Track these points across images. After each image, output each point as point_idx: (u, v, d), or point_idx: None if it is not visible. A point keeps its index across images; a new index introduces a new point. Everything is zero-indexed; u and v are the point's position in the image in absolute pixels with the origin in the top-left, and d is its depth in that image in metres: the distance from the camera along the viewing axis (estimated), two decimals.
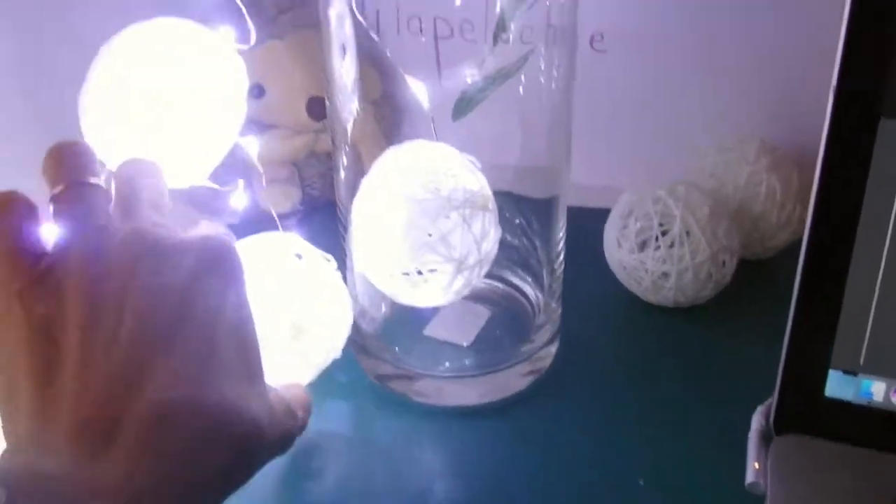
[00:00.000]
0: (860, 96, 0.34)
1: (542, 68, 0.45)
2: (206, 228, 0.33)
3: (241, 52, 0.60)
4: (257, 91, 0.61)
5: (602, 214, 0.53)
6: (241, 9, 0.41)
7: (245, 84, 0.40)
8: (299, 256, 0.42)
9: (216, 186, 0.40)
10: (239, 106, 0.40)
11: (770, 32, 0.59)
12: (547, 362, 0.48)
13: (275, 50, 0.61)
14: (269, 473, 0.37)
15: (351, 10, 0.44)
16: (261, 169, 0.61)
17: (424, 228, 0.38)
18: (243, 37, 0.42)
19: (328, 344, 0.42)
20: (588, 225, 0.52)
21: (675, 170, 0.57)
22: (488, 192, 0.40)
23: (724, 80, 0.61)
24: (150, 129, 0.36)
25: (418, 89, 0.40)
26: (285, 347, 0.40)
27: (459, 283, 0.39)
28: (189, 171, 0.39)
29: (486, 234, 0.39)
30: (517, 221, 0.50)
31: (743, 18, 0.59)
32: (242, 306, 0.32)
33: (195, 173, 0.39)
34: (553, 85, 0.46)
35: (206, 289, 0.30)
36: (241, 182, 0.42)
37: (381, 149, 0.47)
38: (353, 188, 0.46)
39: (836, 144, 0.35)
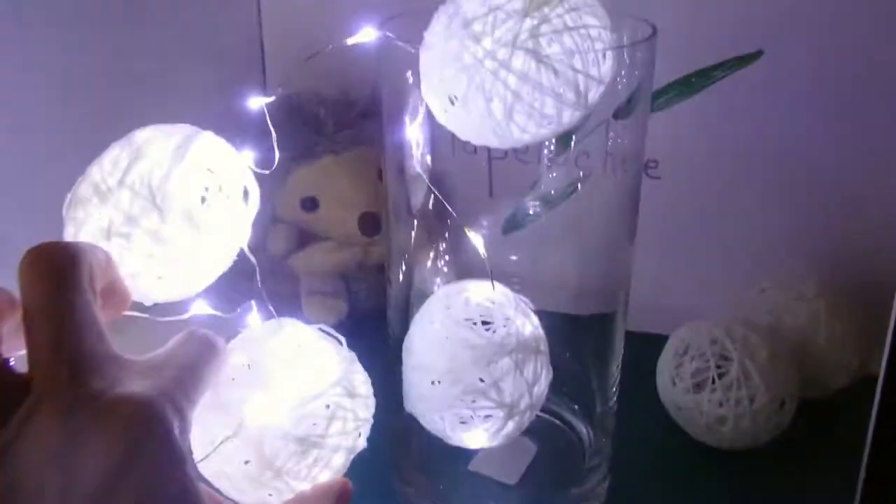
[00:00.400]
0: None
1: (599, 193, 0.45)
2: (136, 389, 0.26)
3: (298, 166, 0.61)
4: (310, 204, 0.62)
5: (656, 340, 0.52)
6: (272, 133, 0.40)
7: (254, 208, 0.39)
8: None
9: (219, 314, 0.38)
10: (241, 228, 0.38)
11: (833, 173, 0.58)
12: None
13: (330, 165, 0.61)
14: None
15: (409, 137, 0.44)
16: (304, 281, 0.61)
17: (476, 374, 0.37)
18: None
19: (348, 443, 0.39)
20: (641, 351, 0.51)
21: (731, 301, 0.56)
22: (541, 333, 0.39)
23: (785, 216, 0.60)
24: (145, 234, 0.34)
25: (476, 240, 0.39)
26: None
27: (510, 427, 0.38)
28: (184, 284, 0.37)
29: (538, 378, 0.38)
30: (569, 351, 0.49)
31: (806, 156, 0.58)
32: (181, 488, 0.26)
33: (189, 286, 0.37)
34: (611, 211, 0.46)
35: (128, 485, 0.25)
36: (253, 303, 0.40)
37: (433, 262, 0.48)
38: (405, 301, 0.45)
39: None
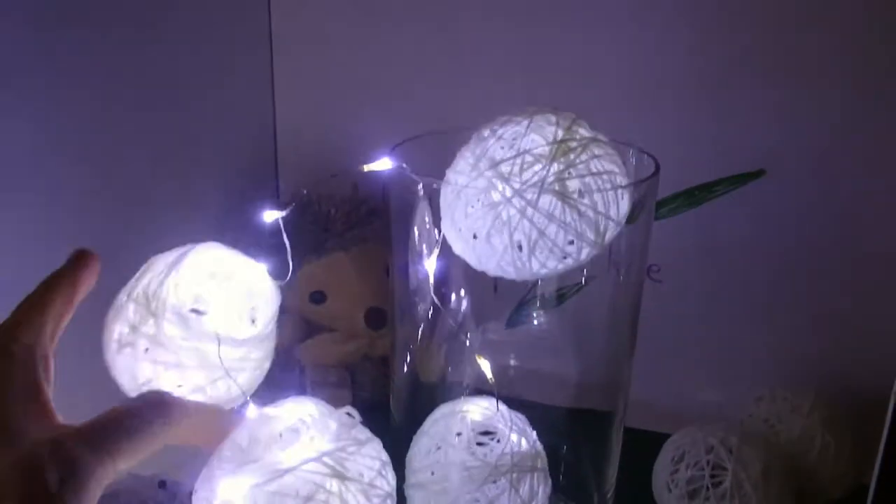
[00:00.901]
0: None
1: (602, 297, 0.47)
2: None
3: (308, 261, 0.62)
4: (319, 297, 0.63)
5: (654, 438, 0.53)
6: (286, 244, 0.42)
7: (268, 312, 0.40)
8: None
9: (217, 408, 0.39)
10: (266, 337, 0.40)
11: (830, 291, 0.60)
12: None
13: (339, 261, 0.63)
14: None
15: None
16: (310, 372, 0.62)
17: (471, 494, 0.38)
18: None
19: None
20: (639, 448, 0.52)
21: (727, 408, 0.57)
22: (539, 449, 0.40)
23: (782, 325, 0.62)
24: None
25: (483, 365, 0.40)
26: None
27: None
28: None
29: (535, 495, 0.39)
30: (567, 446, 0.50)
31: (803, 274, 0.60)
32: None
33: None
34: (613, 314, 0.47)
35: None
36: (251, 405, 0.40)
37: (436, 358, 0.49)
38: (408, 392, 0.46)
39: None
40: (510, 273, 0.36)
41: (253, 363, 0.38)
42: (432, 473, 0.39)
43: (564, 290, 0.49)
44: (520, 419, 0.40)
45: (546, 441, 0.50)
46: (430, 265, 0.41)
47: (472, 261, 0.37)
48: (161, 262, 0.37)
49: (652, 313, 0.67)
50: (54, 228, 0.52)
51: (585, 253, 0.35)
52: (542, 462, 0.39)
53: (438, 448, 0.39)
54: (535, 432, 0.40)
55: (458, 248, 0.38)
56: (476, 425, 0.39)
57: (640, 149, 0.44)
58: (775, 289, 0.62)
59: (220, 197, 0.68)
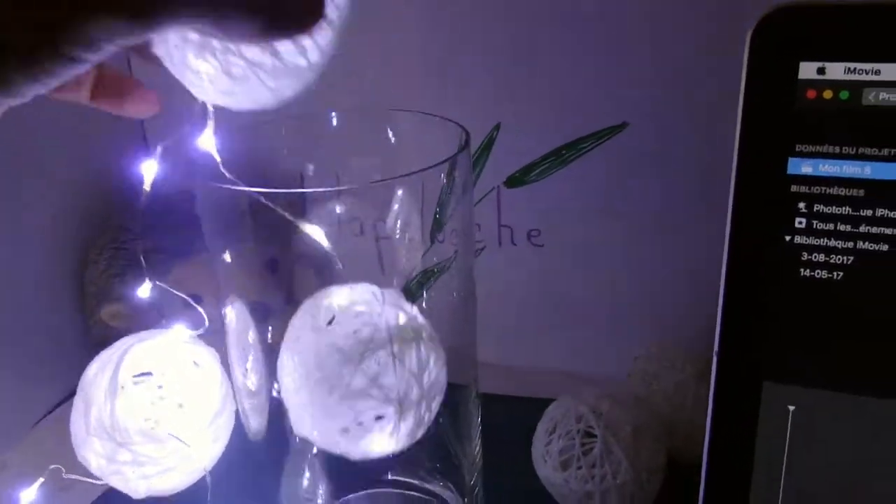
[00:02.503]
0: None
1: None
2: None
3: (176, 264, 0.62)
4: (196, 300, 0.62)
5: (542, 404, 0.53)
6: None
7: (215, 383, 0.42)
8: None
9: None
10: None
11: (700, 243, 0.60)
12: None
13: (210, 260, 0.62)
14: None
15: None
16: None
17: (349, 376, 0.36)
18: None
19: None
20: (526, 415, 0.53)
21: (609, 368, 0.58)
22: (421, 321, 0.38)
23: (658, 285, 0.62)
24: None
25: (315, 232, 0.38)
26: None
27: (409, 423, 0.37)
28: None
29: (426, 365, 0.37)
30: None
31: (671, 230, 0.61)
32: None
33: None
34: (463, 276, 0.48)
35: None
36: None
37: None
38: None
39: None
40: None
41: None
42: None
43: (441, 265, 0.49)
44: (392, 294, 0.38)
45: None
46: None
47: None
48: (97, 390, 0.38)
49: (535, 279, 0.68)
50: None
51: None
52: (429, 332, 0.38)
53: (305, 341, 0.37)
54: (414, 307, 0.39)
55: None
56: (347, 313, 0.37)
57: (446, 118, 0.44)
58: (649, 245, 0.63)
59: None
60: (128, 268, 0.60)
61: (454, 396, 0.48)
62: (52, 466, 0.42)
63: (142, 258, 0.61)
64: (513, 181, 0.66)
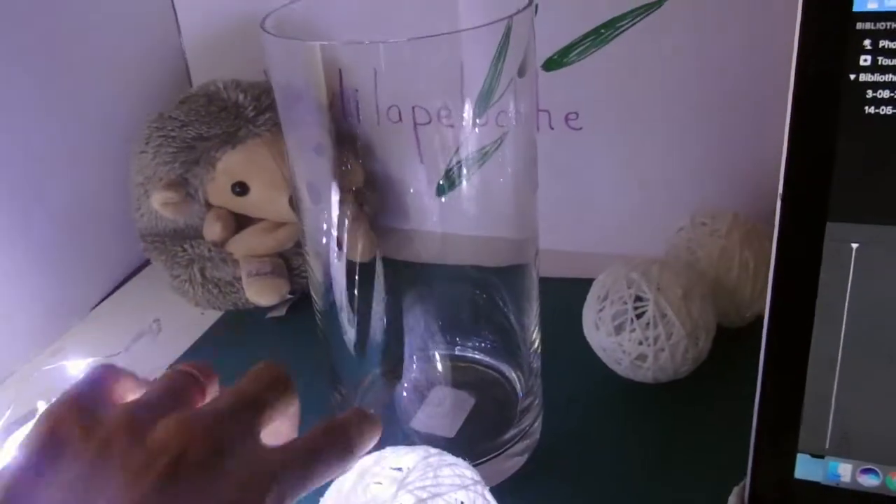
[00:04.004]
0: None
1: (511, 148, 0.47)
2: None
3: (224, 152, 0.62)
4: (240, 189, 0.63)
5: (586, 285, 0.54)
6: None
7: None
8: None
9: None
10: None
11: (740, 113, 0.61)
12: (531, 446, 0.49)
13: (255, 148, 0.63)
14: None
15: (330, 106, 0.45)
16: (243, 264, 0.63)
17: None
18: None
19: None
20: (571, 297, 0.54)
21: (652, 242, 0.59)
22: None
23: (699, 158, 0.63)
24: None
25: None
26: None
27: None
28: None
29: None
30: (490, 302, 0.52)
31: (714, 96, 0.61)
32: None
33: None
34: (520, 163, 0.47)
35: None
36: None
37: (368, 236, 0.49)
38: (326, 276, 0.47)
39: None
40: None
41: None
42: None
43: (482, 151, 0.49)
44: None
45: (472, 300, 0.52)
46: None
47: None
48: None
49: (574, 162, 0.68)
50: None
51: None
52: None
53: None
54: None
55: None
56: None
57: None
58: (689, 117, 0.63)
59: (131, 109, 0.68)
60: (177, 155, 0.61)
61: (514, 277, 0.49)
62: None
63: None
64: (551, 64, 0.65)
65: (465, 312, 0.53)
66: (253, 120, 0.62)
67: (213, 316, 0.65)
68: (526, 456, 0.48)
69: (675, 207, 0.63)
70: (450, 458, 0.38)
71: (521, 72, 0.45)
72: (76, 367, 0.55)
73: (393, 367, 0.52)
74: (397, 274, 0.50)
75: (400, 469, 0.37)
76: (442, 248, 0.51)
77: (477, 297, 0.53)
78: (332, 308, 0.49)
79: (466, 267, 0.53)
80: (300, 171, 0.47)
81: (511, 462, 0.48)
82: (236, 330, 0.64)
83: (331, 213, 0.48)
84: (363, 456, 0.36)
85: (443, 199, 0.50)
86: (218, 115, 0.62)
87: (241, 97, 0.63)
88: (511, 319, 0.51)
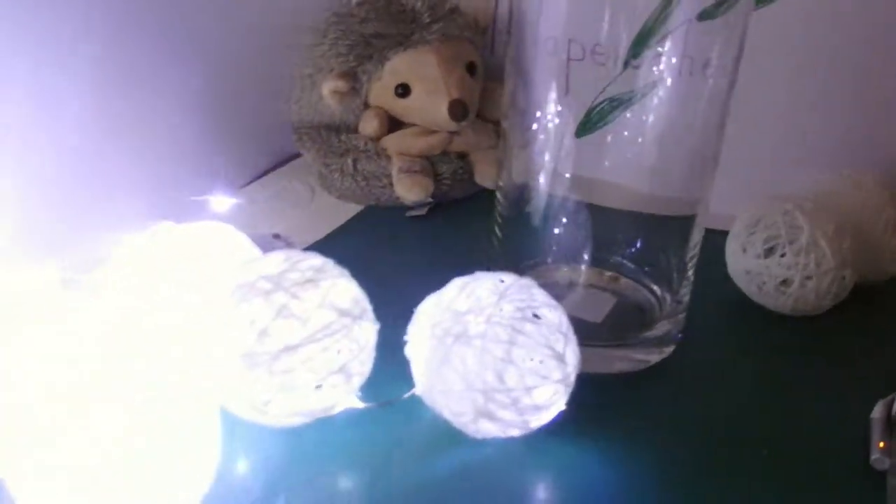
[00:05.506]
0: None
1: (678, 98, 0.48)
2: None
3: (394, 54, 0.65)
4: (402, 90, 0.66)
5: (716, 235, 0.55)
6: None
7: None
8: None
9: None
10: None
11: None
12: (665, 352, 0.50)
13: (424, 55, 0.66)
14: None
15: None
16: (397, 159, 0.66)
17: None
18: None
19: None
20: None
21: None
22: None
23: (848, 115, 0.63)
24: None
25: None
26: None
27: None
28: None
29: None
30: (655, 237, 0.53)
31: (868, 58, 0.62)
32: None
33: None
34: (692, 115, 0.48)
35: None
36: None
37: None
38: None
39: None
40: None
41: None
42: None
43: (629, 94, 0.50)
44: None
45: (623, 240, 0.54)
46: None
47: None
48: None
49: (716, 110, 0.69)
50: None
51: None
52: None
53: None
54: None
55: None
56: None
57: None
58: (846, 82, 0.63)
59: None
60: (352, 48, 0.64)
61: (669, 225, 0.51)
62: None
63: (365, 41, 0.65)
64: (705, 14, 0.66)
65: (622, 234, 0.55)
66: (427, 27, 0.66)
67: (352, 209, 0.68)
68: (662, 355, 0.50)
69: (820, 160, 0.63)
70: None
71: (704, 15, 0.46)
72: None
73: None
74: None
75: (502, 281, 0.40)
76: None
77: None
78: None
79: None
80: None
81: (648, 355, 0.50)
82: (376, 224, 0.66)
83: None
84: None
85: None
86: (397, 17, 0.65)
87: (418, 4, 0.66)
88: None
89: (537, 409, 0.38)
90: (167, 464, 0.32)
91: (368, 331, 0.39)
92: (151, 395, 0.32)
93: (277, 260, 0.38)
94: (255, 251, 0.45)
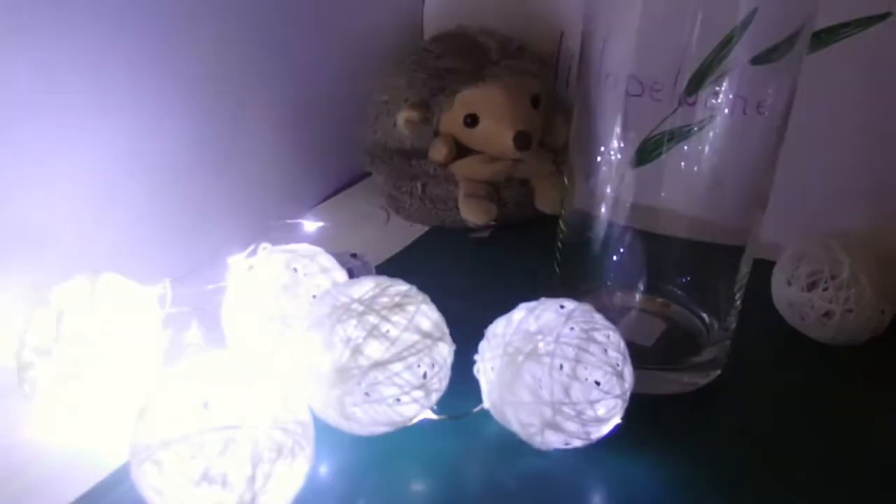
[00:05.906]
0: None
1: (732, 134, 0.50)
2: None
3: (465, 87, 0.70)
4: (470, 120, 0.71)
5: (763, 265, 0.58)
6: None
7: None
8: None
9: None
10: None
11: None
12: (712, 375, 0.54)
13: (492, 88, 0.71)
14: None
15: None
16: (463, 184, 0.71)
17: None
18: None
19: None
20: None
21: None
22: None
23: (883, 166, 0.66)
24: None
25: None
26: None
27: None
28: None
29: None
30: (705, 267, 0.56)
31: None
32: None
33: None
34: (744, 152, 0.51)
35: None
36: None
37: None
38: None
39: None
40: None
41: None
42: None
43: (684, 129, 0.53)
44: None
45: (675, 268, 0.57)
46: None
47: None
48: None
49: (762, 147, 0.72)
50: None
51: None
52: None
53: None
54: None
55: None
56: None
57: None
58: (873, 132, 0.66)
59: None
60: (427, 81, 0.70)
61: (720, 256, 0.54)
62: None
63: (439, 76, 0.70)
64: (758, 59, 0.70)
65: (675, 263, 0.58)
66: (497, 63, 0.71)
67: (418, 230, 0.73)
68: (709, 379, 0.54)
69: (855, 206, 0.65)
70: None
71: (757, 60, 0.49)
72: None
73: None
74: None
75: (563, 306, 0.45)
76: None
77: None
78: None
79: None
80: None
81: (696, 378, 0.54)
82: (441, 245, 0.71)
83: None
84: None
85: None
86: (468, 53, 0.70)
87: (489, 41, 0.71)
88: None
89: (598, 421, 0.43)
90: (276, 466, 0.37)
91: (446, 351, 0.44)
92: (265, 402, 0.37)
93: (369, 286, 0.43)
94: (342, 273, 0.50)
